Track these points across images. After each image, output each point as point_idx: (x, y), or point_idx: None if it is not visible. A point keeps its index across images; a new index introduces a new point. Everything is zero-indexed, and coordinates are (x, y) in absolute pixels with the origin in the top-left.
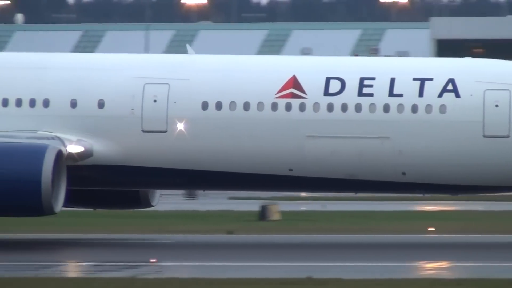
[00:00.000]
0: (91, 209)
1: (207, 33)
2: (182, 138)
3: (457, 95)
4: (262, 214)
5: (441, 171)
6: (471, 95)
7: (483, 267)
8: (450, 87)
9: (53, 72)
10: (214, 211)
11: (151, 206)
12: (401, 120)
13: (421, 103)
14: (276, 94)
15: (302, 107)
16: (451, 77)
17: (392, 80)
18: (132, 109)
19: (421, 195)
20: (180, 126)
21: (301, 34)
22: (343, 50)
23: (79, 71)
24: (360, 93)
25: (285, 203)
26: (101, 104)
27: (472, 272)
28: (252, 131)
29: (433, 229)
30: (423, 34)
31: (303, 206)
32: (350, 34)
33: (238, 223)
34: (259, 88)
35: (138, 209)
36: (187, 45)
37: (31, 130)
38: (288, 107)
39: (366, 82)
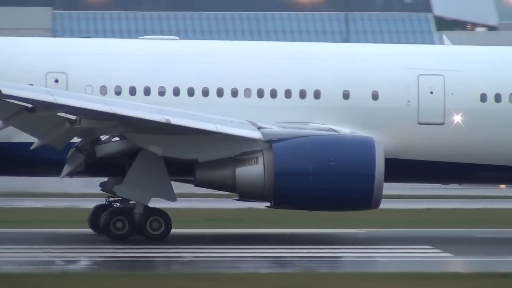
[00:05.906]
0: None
1: None
2: (459, 130)
3: None
4: None
5: None
6: None
7: None
8: None
9: (322, 62)
10: None
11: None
12: None
13: None
14: None
15: None
16: None
17: None
18: (408, 101)
19: None
20: (458, 118)
21: None
22: None
23: (349, 62)
24: None
25: None
26: (375, 96)
27: None
28: None
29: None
30: None
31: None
32: None
33: None
34: None
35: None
36: (444, 36)
37: (302, 122)
38: None
39: None
